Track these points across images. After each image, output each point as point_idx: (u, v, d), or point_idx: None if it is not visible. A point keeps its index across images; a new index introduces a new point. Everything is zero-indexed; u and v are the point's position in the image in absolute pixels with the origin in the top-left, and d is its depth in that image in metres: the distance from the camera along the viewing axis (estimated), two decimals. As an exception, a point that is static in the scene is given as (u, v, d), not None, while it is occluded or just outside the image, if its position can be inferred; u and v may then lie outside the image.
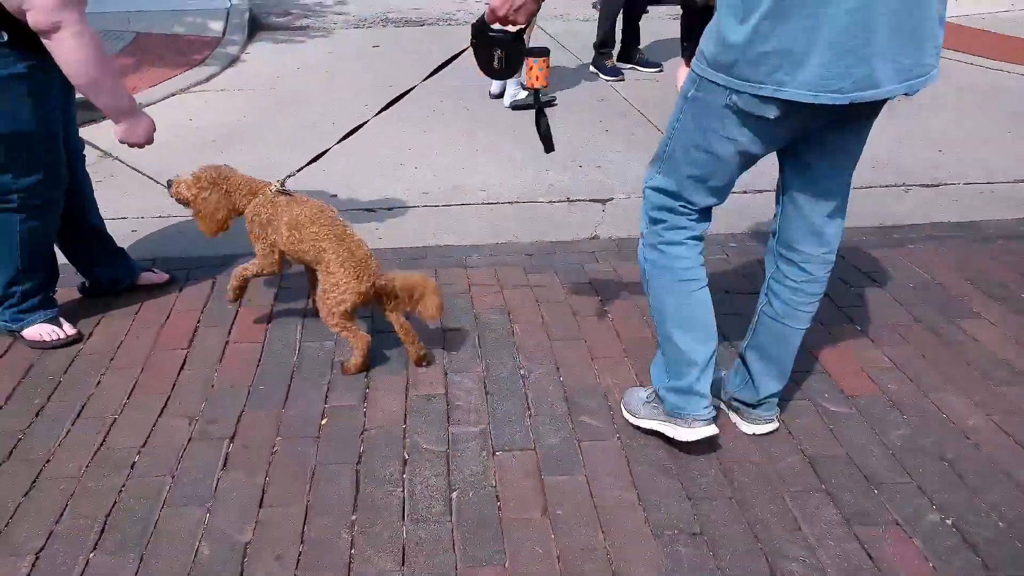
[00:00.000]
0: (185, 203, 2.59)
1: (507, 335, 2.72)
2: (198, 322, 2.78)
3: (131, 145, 2.52)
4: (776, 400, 2.25)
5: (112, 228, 2.92)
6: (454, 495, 2.03)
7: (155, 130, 2.52)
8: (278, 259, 2.58)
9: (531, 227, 3.56)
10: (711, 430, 2.11)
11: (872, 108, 1.82)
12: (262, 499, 2.01)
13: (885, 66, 1.66)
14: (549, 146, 2.30)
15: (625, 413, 2.31)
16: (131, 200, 3.77)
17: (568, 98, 5.33)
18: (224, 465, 2.12)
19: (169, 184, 2.59)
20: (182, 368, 2.53)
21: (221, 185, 2.55)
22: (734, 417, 2.29)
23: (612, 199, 3.87)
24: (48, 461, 2.13)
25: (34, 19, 2.14)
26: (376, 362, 2.56)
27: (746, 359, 2.21)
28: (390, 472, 2.11)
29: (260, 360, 2.57)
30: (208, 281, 3.03)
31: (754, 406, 2.23)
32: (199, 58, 5.95)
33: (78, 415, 2.31)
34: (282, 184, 2.59)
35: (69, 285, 2.93)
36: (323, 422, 2.30)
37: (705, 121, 1.84)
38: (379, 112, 2.59)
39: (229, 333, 2.72)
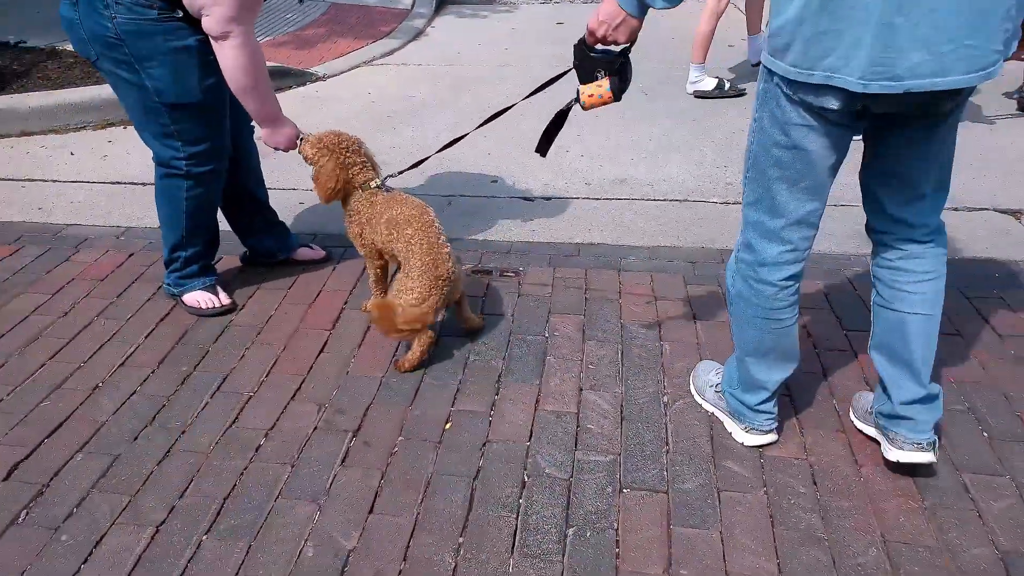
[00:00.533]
0: (308, 162, 2.59)
1: (655, 354, 2.49)
2: (344, 303, 2.78)
3: (274, 148, 2.58)
4: (930, 426, 1.95)
5: (279, 200, 2.98)
6: (570, 532, 1.86)
7: (298, 137, 2.56)
8: (377, 256, 2.60)
9: (698, 231, 3.27)
10: (769, 439, 2.10)
11: (943, 101, 1.63)
12: (373, 504, 1.94)
13: (949, 51, 1.50)
14: (543, 148, 2.31)
15: (691, 386, 2.32)
16: (301, 173, 3.86)
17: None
18: (343, 460, 2.08)
19: (300, 140, 2.59)
20: (321, 351, 2.53)
21: (338, 155, 2.52)
22: (881, 441, 2.03)
23: (794, 205, 3.48)
24: (184, 432, 2.18)
25: (208, 25, 2.25)
26: (510, 368, 2.42)
27: (874, 363, 2.02)
28: (506, 494, 1.97)
29: (396, 352, 2.51)
30: (363, 262, 3.02)
31: (896, 419, 1.96)
32: (386, 30, 6.06)
33: (218, 388, 2.36)
34: (383, 182, 2.58)
35: (232, 253, 3.03)
36: (447, 426, 2.19)
37: (777, 114, 1.74)
38: (477, 127, 2.71)
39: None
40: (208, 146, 2.53)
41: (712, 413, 2.23)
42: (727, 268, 2.06)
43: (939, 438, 2.03)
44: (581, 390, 2.33)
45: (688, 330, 2.60)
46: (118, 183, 3.79)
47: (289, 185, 3.70)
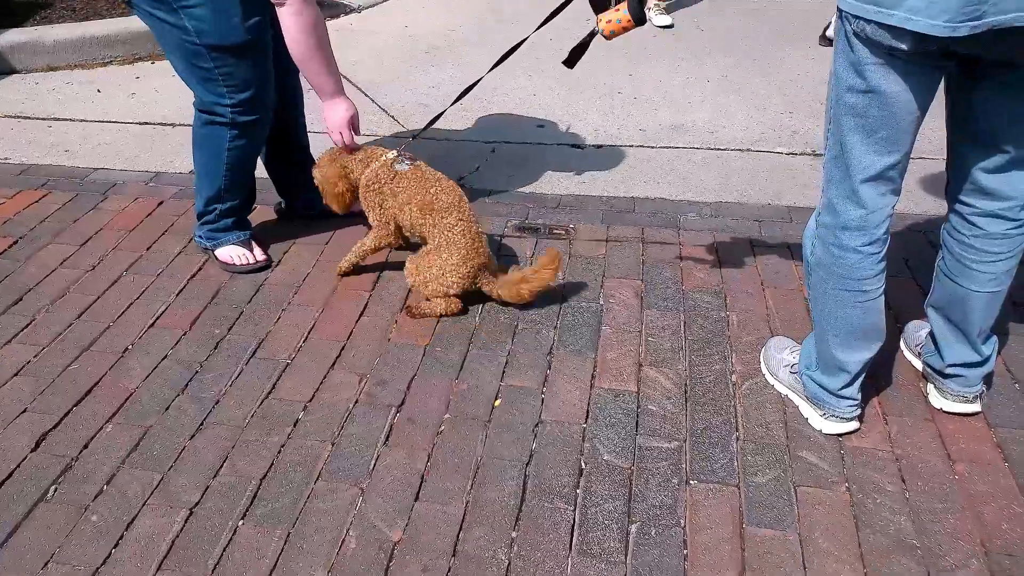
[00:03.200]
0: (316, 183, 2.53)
1: (721, 326, 2.29)
2: (385, 262, 2.61)
3: (331, 131, 2.40)
4: (979, 379, 1.94)
5: (318, 145, 2.78)
6: (633, 528, 1.71)
7: (355, 116, 2.38)
8: (395, 231, 2.43)
9: (764, 184, 3.02)
10: (850, 427, 1.92)
11: None
12: (419, 490, 1.80)
13: None
14: (572, 62, 2.18)
15: (763, 364, 2.13)
16: (339, 113, 3.65)
17: (817, 26, 4.53)
18: (386, 440, 1.93)
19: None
20: (362, 314, 2.37)
21: (336, 160, 2.43)
22: (927, 386, 2.03)
23: (868, 158, 3.20)
24: (217, 403, 2.05)
25: None
26: (563, 339, 2.25)
27: (929, 318, 1.95)
28: (563, 483, 1.82)
29: (440, 317, 2.35)
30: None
31: (945, 376, 1.95)
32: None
33: (253, 354, 2.22)
34: (399, 154, 2.39)
35: (266, 204, 2.87)
36: (496, 403, 2.04)
37: (851, 57, 1.55)
38: (489, 70, 2.48)
39: (413, 279, 2.52)
40: (254, 92, 2.35)
41: (786, 396, 2.04)
42: (805, 233, 1.86)
43: (988, 386, 2.02)
44: (641, 366, 2.15)
45: (757, 299, 2.39)
46: (146, 123, 3.61)
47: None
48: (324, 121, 2.37)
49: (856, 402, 1.90)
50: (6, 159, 3.31)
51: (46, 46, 4.18)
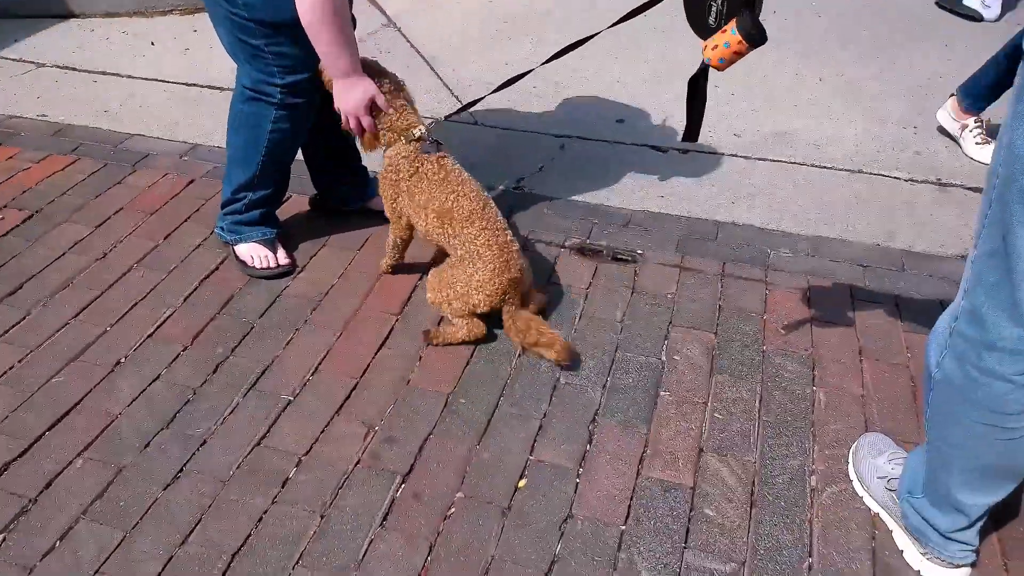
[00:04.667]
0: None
1: (804, 406, 1.89)
2: (419, 279, 2.28)
3: (338, 111, 2.04)
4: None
5: None
6: None
7: (375, 98, 1.99)
8: (406, 226, 2.13)
9: (876, 218, 2.55)
10: (960, 574, 1.51)
11: None
12: (413, 594, 1.50)
13: None
14: (690, 134, 1.80)
15: (851, 467, 1.73)
16: (397, 89, 3.31)
17: (958, 20, 3.90)
18: (384, 519, 1.63)
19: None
20: (383, 344, 2.06)
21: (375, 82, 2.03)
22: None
23: (1007, 194, 2.67)
24: (203, 443, 1.79)
25: None
26: (611, 404, 1.89)
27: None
28: (586, 607, 1.48)
29: (471, 358, 2.02)
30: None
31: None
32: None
33: (253, 384, 1.94)
34: (428, 134, 2.05)
35: (299, 193, 2.57)
36: (520, 483, 1.70)
37: None
38: (544, 62, 2.14)
39: (447, 305, 2.19)
40: (309, 75, 2.06)
41: (877, 514, 1.64)
42: (932, 336, 1.40)
43: None
44: (701, 451, 1.78)
45: (852, 373, 1.97)
46: (194, 85, 3.35)
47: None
48: (336, 105, 2.02)
49: (972, 548, 1.49)
50: (43, 115, 3.11)
51: (106, -10, 3.96)
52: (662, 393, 1.92)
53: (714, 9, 1.52)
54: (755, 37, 1.51)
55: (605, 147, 2.95)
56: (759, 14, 1.52)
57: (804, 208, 2.59)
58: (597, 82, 3.41)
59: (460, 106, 2.08)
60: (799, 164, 2.82)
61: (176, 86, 3.35)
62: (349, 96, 1.98)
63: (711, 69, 1.62)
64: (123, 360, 2.00)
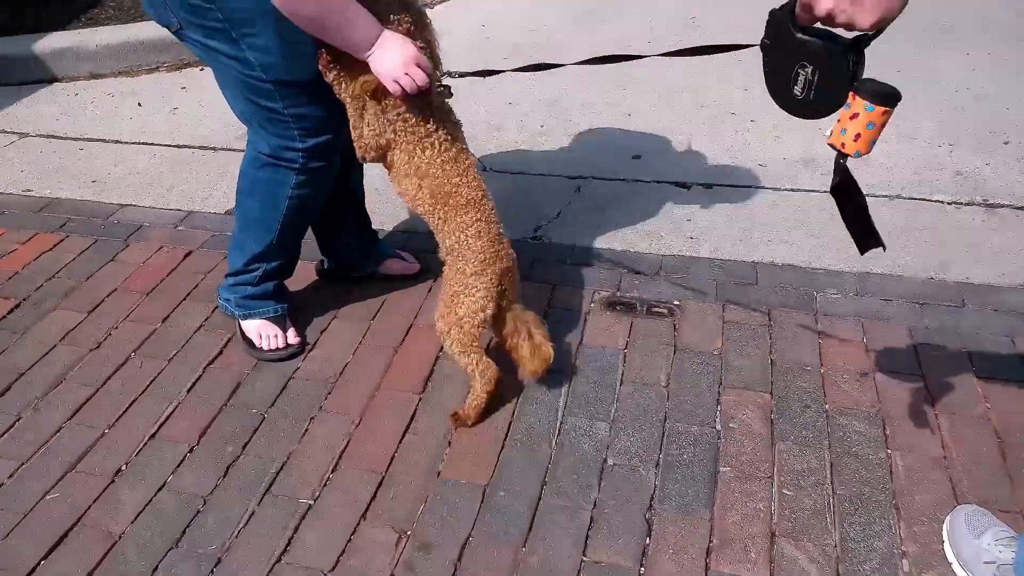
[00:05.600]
0: None
1: (881, 474, 1.70)
2: (441, 350, 2.10)
3: (396, 84, 1.68)
4: None
5: (369, 174, 2.28)
6: None
7: (417, 56, 1.67)
8: (374, 148, 1.80)
9: (924, 248, 2.37)
10: None
11: None
12: None
13: None
14: (867, 243, 1.39)
15: (948, 547, 1.53)
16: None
17: (979, 25, 3.75)
18: (427, 645, 1.44)
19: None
20: (407, 430, 1.87)
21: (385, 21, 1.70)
22: None
23: (1063, 211, 2.51)
24: (218, 562, 1.59)
25: None
26: (667, 487, 1.70)
27: None
28: None
29: (506, 437, 1.83)
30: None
31: None
32: (505, -58, 5.12)
33: (269, 487, 1.75)
34: (444, 82, 1.79)
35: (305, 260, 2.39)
36: (576, 591, 1.52)
37: None
38: (582, 62, 1.77)
39: (474, 378, 2.00)
40: (332, 135, 1.88)
41: (978, 600, 1.45)
42: None
43: None
44: (774, 536, 1.59)
45: (928, 431, 1.78)
46: (185, 147, 3.19)
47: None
48: (378, 73, 1.67)
49: None
50: (28, 191, 2.94)
51: (89, 51, 3.81)
52: (722, 468, 1.73)
53: (802, 77, 1.25)
54: (895, 97, 1.21)
55: (624, 186, 2.78)
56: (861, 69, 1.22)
57: (845, 241, 2.39)
58: (608, 115, 3.25)
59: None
60: (825, 192, 2.63)
61: (166, 148, 3.19)
62: (390, 57, 1.64)
63: (851, 158, 1.28)
64: (124, 467, 1.82)
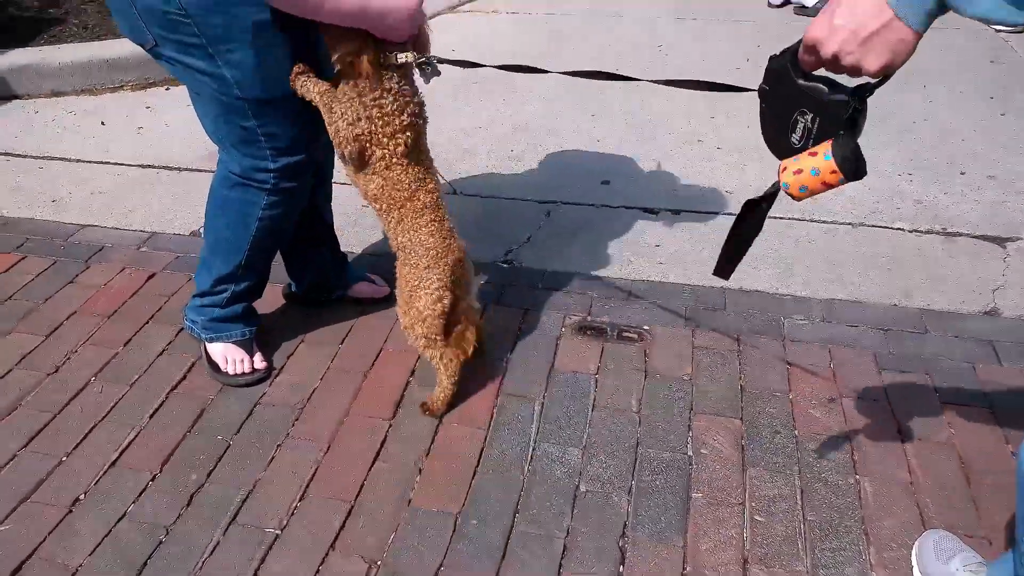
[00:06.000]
0: None
1: (850, 498, 1.71)
2: (411, 375, 2.08)
3: (399, 37, 1.67)
4: None
5: (338, 197, 2.26)
6: None
7: (413, 13, 1.64)
8: (352, 140, 1.74)
9: (887, 275, 2.42)
10: None
11: None
12: None
13: None
14: (724, 268, 1.47)
15: (916, 572, 1.55)
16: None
17: (936, 58, 3.88)
18: None
19: None
20: (377, 456, 1.84)
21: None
22: None
23: (1019, 238, 2.57)
24: (180, 597, 1.55)
25: None
26: (640, 513, 1.69)
27: None
28: None
29: (479, 464, 1.81)
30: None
31: None
32: (474, -32, 5.17)
33: (234, 516, 1.70)
34: (429, 61, 1.72)
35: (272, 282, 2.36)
36: (550, 620, 1.50)
37: None
38: (596, 76, 1.65)
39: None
40: (304, 155, 1.86)
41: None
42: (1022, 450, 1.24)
43: None
44: (746, 563, 1.59)
45: (895, 458, 1.81)
46: (149, 167, 3.14)
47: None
48: (384, 36, 1.65)
49: None
50: (-15, 210, 2.87)
51: (51, 69, 3.74)
52: (694, 495, 1.73)
53: (801, 125, 1.20)
54: (853, 168, 1.15)
55: (593, 211, 2.80)
56: (858, 136, 1.17)
57: (811, 268, 2.46)
58: (576, 140, 3.28)
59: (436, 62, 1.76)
60: (797, 220, 2.69)
61: (130, 168, 3.14)
62: (395, 23, 1.61)
63: (780, 196, 1.27)
64: (82, 497, 1.76)
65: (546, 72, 1.71)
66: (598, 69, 1.64)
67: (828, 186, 1.18)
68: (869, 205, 2.77)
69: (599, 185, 2.96)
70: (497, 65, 1.78)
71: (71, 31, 4.09)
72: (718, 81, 1.49)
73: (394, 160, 1.77)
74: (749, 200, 1.36)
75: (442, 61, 1.75)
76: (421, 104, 1.80)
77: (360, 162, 1.79)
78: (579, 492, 1.74)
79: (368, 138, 1.74)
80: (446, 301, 1.86)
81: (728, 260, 1.42)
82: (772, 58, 1.23)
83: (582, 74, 1.65)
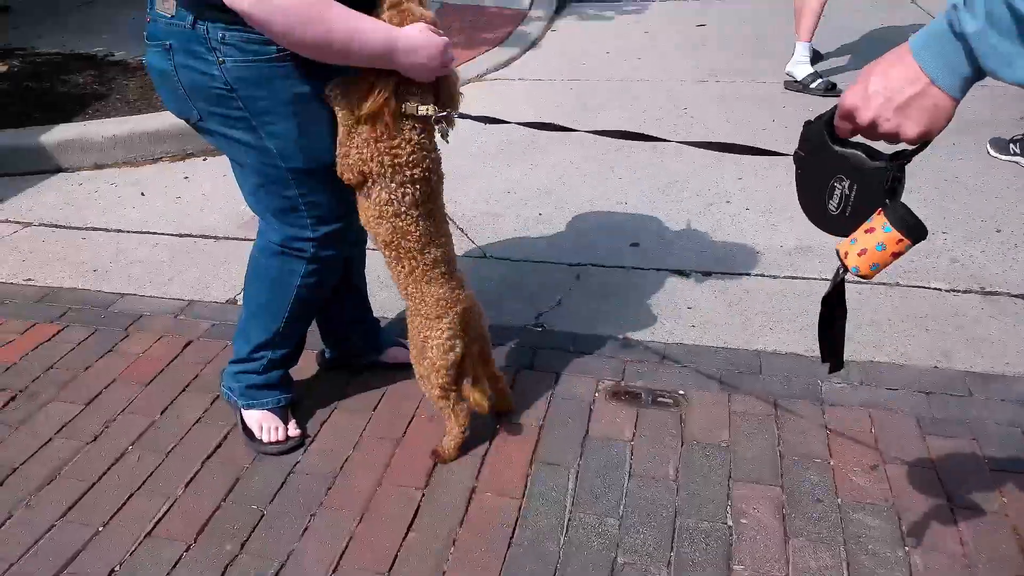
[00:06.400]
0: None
1: (901, 571, 1.65)
2: (442, 440, 2.07)
3: (428, 75, 1.69)
4: None
5: (370, 261, 2.29)
6: None
7: (443, 48, 1.66)
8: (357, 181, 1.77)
9: (925, 336, 2.38)
10: None
11: None
12: None
13: None
14: (830, 359, 1.42)
15: None
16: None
17: (963, 113, 3.87)
18: None
19: None
20: (409, 528, 1.82)
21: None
22: None
23: (1060, 298, 2.53)
24: (213, 674, 1.53)
25: None
26: (680, 583, 1.64)
27: None
28: None
29: (513, 535, 1.78)
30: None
31: None
32: (498, 36, 5.33)
33: (268, 590, 1.69)
34: (444, 121, 1.74)
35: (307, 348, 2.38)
36: None
37: None
38: (605, 133, 1.68)
39: (479, 473, 1.97)
40: (343, 223, 1.90)
41: None
42: None
43: None
44: (794, 642, 1.53)
45: (945, 527, 1.75)
46: (187, 236, 3.22)
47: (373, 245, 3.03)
48: (409, 74, 1.65)
49: None
50: (30, 280, 2.94)
51: (94, 143, 3.88)
52: (735, 567, 1.68)
53: (838, 192, 1.19)
54: (919, 230, 1.14)
55: (623, 274, 2.81)
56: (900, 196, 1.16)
57: (847, 330, 2.42)
58: (602, 202, 3.31)
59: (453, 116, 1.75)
60: (829, 280, 2.66)
61: (168, 238, 3.21)
62: (417, 57, 1.62)
63: (847, 280, 1.24)
64: (118, 567, 1.75)
65: (570, 130, 1.73)
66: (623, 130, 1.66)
67: (896, 256, 1.17)
68: (903, 264, 2.74)
69: (628, 247, 2.97)
70: (520, 122, 1.83)
71: (114, 106, 4.25)
72: (750, 145, 1.50)
73: (403, 209, 1.77)
74: (824, 297, 1.33)
75: (463, 116, 1.78)
76: (437, 161, 1.81)
77: (359, 186, 1.78)
78: (617, 564, 1.70)
79: (374, 179, 1.74)
80: (458, 350, 1.89)
81: (829, 353, 1.41)
82: (807, 124, 1.24)
83: (608, 133, 1.67)
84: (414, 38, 1.62)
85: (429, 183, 1.79)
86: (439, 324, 1.87)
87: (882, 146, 1.16)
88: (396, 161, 1.71)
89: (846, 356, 2.29)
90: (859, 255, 1.18)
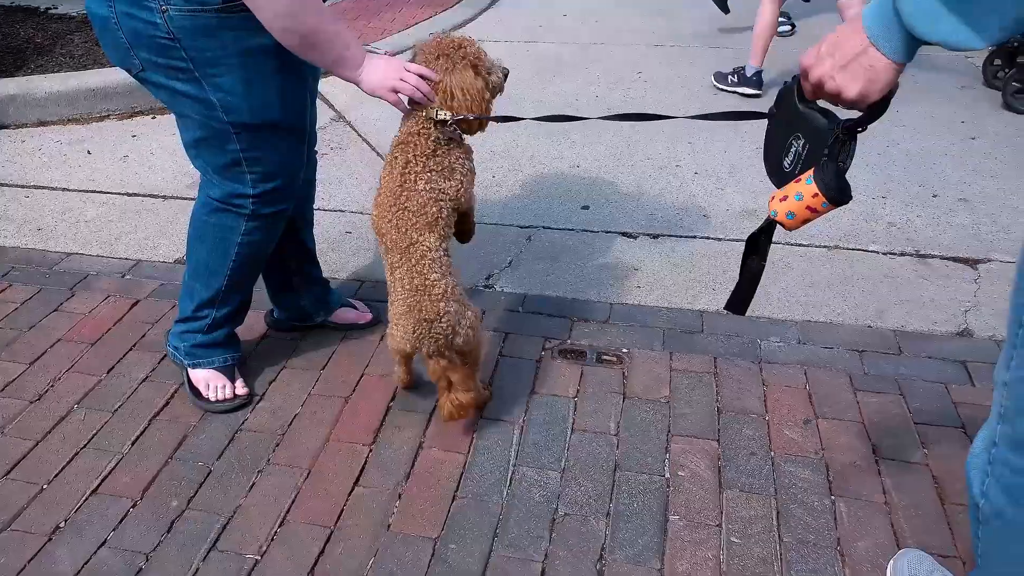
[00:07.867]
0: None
1: (825, 519, 1.73)
2: (392, 399, 2.10)
3: (389, 95, 1.75)
4: None
5: (320, 222, 2.28)
6: None
7: (399, 67, 1.74)
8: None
9: (860, 296, 2.46)
10: None
11: None
12: None
13: None
14: (737, 304, 1.49)
15: None
16: (353, 188, 3.18)
17: (907, 83, 3.96)
18: None
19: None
20: (356, 482, 1.86)
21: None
22: None
23: (989, 260, 2.63)
24: (159, 625, 1.55)
25: None
26: (617, 536, 1.70)
27: None
28: None
29: (458, 489, 1.83)
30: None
31: None
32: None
33: (214, 543, 1.71)
34: (452, 124, 1.80)
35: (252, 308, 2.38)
36: (528, 643, 1.51)
37: None
38: (609, 118, 1.74)
39: (426, 429, 2.00)
40: (283, 182, 1.89)
41: (928, 646, 1.48)
42: (970, 459, 1.27)
43: None
44: (720, 588, 1.61)
45: (870, 478, 1.83)
46: (135, 195, 3.16)
47: (334, 205, 3.02)
48: (369, 90, 1.74)
49: None
50: (-30, 239, 2.88)
51: (37, 99, 3.77)
52: (671, 517, 1.75)
53: (793, 150, 1.23)
54: (834, 193, 1.17)
55: (573, 236, 2.84)
56: (847, 168, 1.19)
57: (787, 291, 2.50)
58: (556, 166, 3.33)
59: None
60: (774, 243, 2.72)
61: (115, 197, 3.16)
62: (373, 77, 1.72)
63: (778, 226, 1.28)
64: (63, 524, 1.76)
65: (582, 119, 1.78)
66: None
67: (814, 211, 1.20)
68: (844, 226, 2.82)
69: (579, 210, 3.00)
70: (536, 117, 1.84)
71: (58, 61, 4.12)
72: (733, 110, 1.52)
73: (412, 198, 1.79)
74: (750, 235, 1.37)
75: (484, 118, 1.84)
76: (457, 191, 1.82)
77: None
78: (557, 515, 1.76)
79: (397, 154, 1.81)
80: (399, 344, 1.81)
81: (740, 296, 1.44)
82: (785, 83, 1.27)
83: (617, 118, 1.73)
84: (376, 69, 1.71)
85: (439, 210, 1.83)
86: (397, 320, 1.79)
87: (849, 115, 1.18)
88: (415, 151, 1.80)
89: (784, 315, 2.38)
90: (781, 201, 1.23)
